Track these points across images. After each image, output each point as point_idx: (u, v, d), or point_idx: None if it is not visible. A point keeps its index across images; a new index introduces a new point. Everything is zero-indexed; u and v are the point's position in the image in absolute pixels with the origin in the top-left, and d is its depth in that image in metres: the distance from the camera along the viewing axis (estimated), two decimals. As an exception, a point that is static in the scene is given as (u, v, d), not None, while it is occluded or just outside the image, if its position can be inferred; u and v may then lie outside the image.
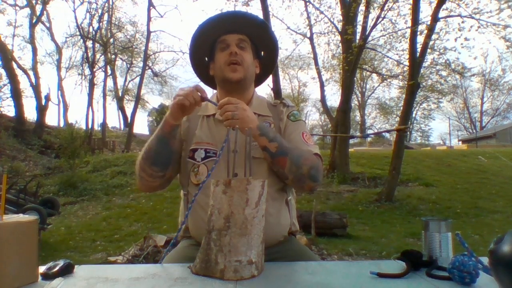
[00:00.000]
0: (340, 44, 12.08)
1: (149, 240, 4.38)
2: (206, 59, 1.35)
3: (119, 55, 24.61)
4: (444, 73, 13.42)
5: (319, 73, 14.53)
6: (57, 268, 0.90)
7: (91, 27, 21.37)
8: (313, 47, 14.16)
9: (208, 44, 1.30)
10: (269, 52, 1.37)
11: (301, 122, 1.30)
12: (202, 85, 1.23)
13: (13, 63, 17.50)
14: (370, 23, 9.96)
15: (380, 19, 9.88)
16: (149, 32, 20.62)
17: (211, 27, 1.26)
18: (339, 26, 11.70)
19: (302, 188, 1.21)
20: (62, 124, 23.64)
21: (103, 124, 22.51)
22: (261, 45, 1.34)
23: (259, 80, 1.40)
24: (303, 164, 1.13)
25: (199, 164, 1.20)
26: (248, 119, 1.09)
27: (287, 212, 1.25)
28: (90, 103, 21.84)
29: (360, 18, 10.70)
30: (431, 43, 9.00)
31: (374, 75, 21.32)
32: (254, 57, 1.31)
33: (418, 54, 8.25)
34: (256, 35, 1.30)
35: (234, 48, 1.23)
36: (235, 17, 1.27)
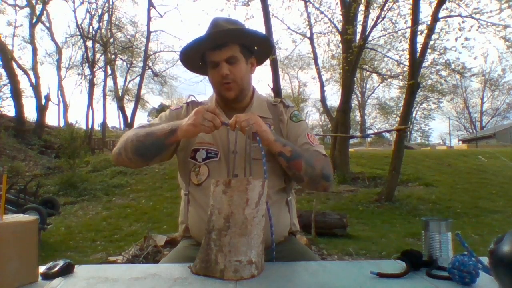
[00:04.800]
0: (340, 44, 12.07)
1: (149, 240, 4.38)
2: (200, 63, 1.32)
3: (119, 55, 24.61)
4: (444, 73, 13.40)
5: (319, 73, 14.51)
6: (57, 268, 0.90)
7: (91, 27, 21.38)
8: (313, 47, 14.14)
9: (198, 57, 1.28)
10: (261, 44, 1.30)
11: (303, 123, 1.30)
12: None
13: (13, 63, 17.50)
14: (370, 23, 9.95)
15: (380, 19, 9.86)
16: (149, 32, 20.66)
17: (197, 47, 1.22)
18: (339, 26, 11.69)
19: (316, 189, 1.22)
20: (62, 124, 23.64)
21: (103, 124, 22.49)
22: (252, 43, 1.28)
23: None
24: (316, 165, 1.15)
25: (200, 165, 1.20)
26: (261, 124, 1.10)
27: (287, 212, 1.25)
28: (90, 103, 21.85)
29: (360, 18, 10.70)
30: (431, 43, 8.98)
31: (374, 75, 21.31)
32: (248, 58, 1.27)
33: (418, 54, 8.25)
34: (245, 40, 1.25)
35: (224, 70, 1.19)
36: (217, 34, 1.19)
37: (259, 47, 1.30)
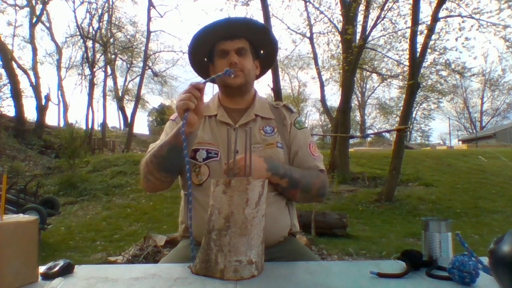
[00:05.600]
0: (340, 44, 12.08)
1: (149, 240, 4.38)
2: (206, 59, 1.34)
3: (119, 55, 24.60)
4: (444, 73, 13.42)
5: (319, 73, 14.53)
6: (57, 268, 0.90)
7: (91, 27, 21.37)
8: (313, 47, 14.15)
9: (207, 48, 1.29)
10: (268, 51, 1.37)
11: (306, 130, 1.33)
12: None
13: (13, 63, 17.49)
14: (370, 23, 9.96)
15: (380, 19, 9.87)
16: (149, 32, 20.60)
17: (210, 33, 1.24)
18: (339, 26, 11.70)
19: (309, 203, 1.27)
20: (62, 124, 23.66)
21: (103, 124, 22.50)
22: (261, 46, 1.34)
23: (257, 76, 1.40)
24: (312, 188, 1.20)
25: (200, 165, 1.20)
26: (260, 170, 1.10)
27: (287, 213, 1.25)
28: (90, 103, 21.87)
29: (360, 18, 10.70)
30: (431, 43, 8.98)
31: (374, 75, 21.30)
32: (254, 59, 1.31)
33: (418, 54, 8.25)
34: (255, 38, 1.29)
35: (234, 58, 1.22)
36: (234, 23, 1.25)
37: (265, 50, 1.35)
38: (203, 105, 1.08)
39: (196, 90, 1.04)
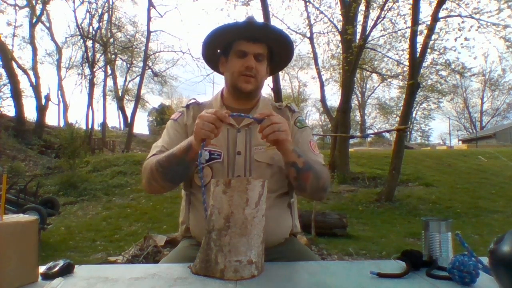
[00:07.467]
0: (340, 44, 12.08)
1: (149, 240, 4.38)
2: (219, 51, 1.31)
3: (119, 55, 24.59)
4: (444, 73, 13.42)
5: (319, 73, 14.52)
6: (57, 268, 0.90)
7: (91, 27, 21.37)
8: (313, 47, 14.15)
9: (225, 41, 1.27)
10: (282, 59, 1.36)
11: (307, 129, 1.31)
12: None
13: (13, 63, 17.49)
14: (370, 23, 9.96)
15: (380, 19, 9.87)
16: (149, 32, 20.60)
17: (231, 30, 1.23)
18: (339, 26, 11.71)
19: (312, 199, 1.25)
20: (62, 124, 23.69)
21: (103, 124, 22.52)
22: (277, 55, 1.32)
23: None
24: (321, 178, 1.16)
25: (203, 166, 1.18)
26: (288, 132, 1.09)
27: (289, 214, 1.25)
28: (90, 103, 21.87)
29: (360, 18, 10.71)
30: (431, 43, 8.99)
31: (374, 75, 21.29)
32: (268, 64, 1.30)
33: (418, 54, 8.25)
34: (274, 46, 1.28)
35: (251, 62, 1.20)
36: (257, 26, 1.23)
37: (279, 56, 1.33)
38: (220, 132, 1.05)
39: (220, 122, 1.03)
